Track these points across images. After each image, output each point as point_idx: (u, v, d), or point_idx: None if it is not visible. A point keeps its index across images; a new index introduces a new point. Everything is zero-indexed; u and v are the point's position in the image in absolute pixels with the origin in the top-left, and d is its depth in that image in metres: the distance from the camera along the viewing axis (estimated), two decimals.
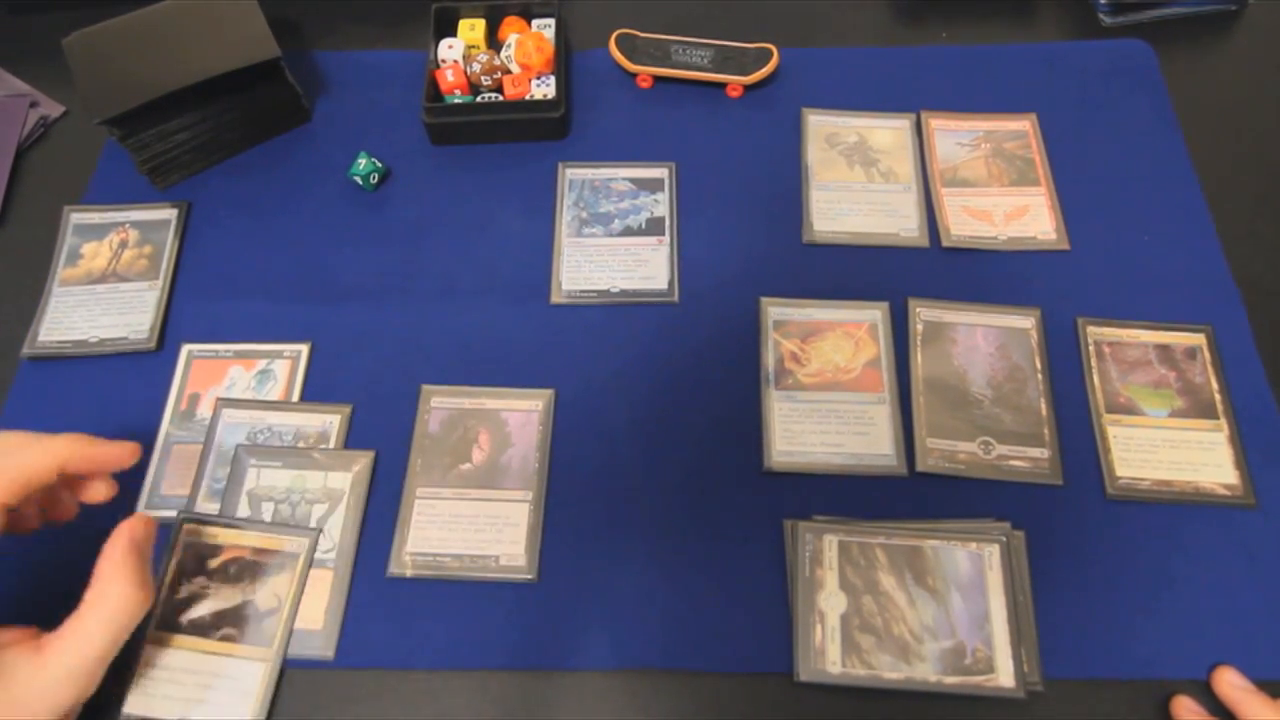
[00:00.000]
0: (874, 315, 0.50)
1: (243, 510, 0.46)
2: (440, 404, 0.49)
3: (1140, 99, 0.58)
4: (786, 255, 0.53)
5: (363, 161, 0.55)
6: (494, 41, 0.60)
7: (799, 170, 0.56)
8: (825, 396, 0.48)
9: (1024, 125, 0.57)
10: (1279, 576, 0.43)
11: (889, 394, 0.48)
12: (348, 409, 0.49)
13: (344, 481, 0.46)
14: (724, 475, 0.46)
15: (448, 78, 0.56)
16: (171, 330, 0.51)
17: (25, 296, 0.52)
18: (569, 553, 0.45)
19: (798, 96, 0.58)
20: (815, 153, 0.56)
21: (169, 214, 0.55)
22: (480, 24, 0.59)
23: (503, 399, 0.49)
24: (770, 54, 0.58)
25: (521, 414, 0.48)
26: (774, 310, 0.51)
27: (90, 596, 0.37)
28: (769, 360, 0.49)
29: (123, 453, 0.41)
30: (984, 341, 0.49)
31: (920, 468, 0.46)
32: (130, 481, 0.47)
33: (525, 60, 0.57)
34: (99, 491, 0.41)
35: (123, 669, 0.42)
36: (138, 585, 0.37)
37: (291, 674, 0.42)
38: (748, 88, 0.58)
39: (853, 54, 0.60)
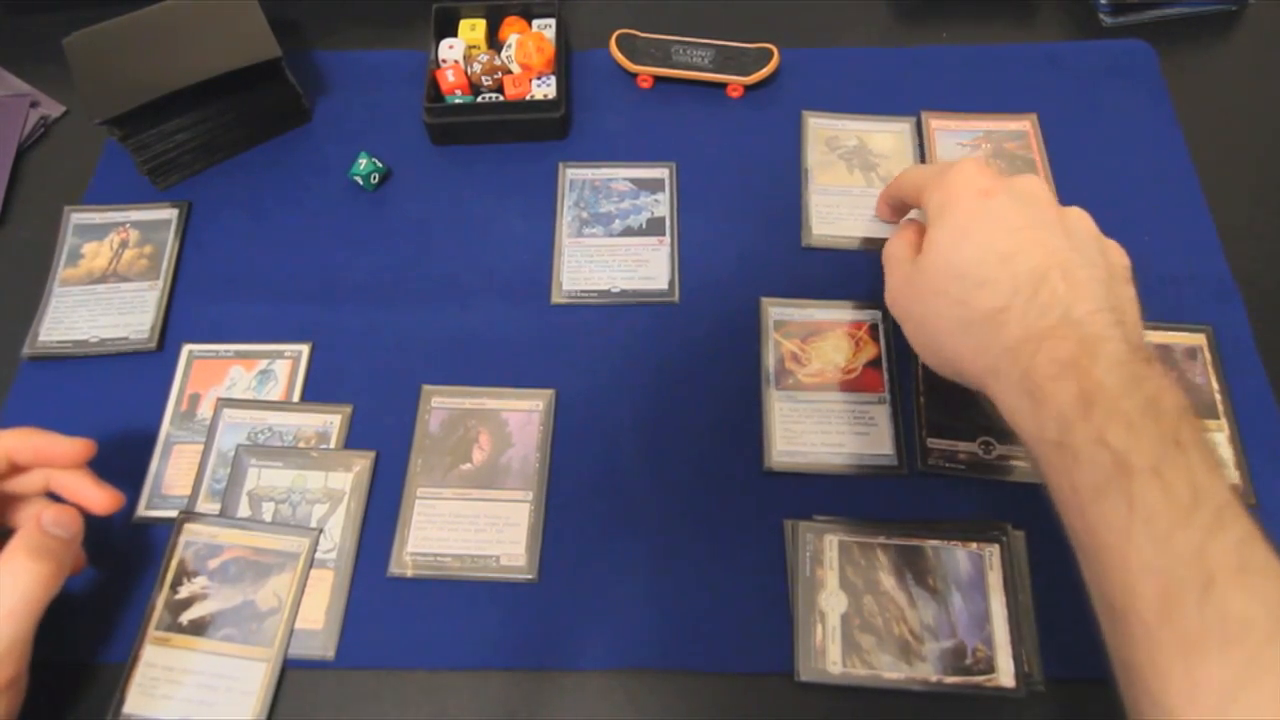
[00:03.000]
0: (875, 315, 0.50)
1: (243, 510, 0.46)
2: (440, 404, 0.49)
3: (1140, 99, 0.58)
4: (786, 258, 0.53)
5: (363, 161, 0.55)
6: (494, 42, 0.60)
7: (799, 171, 0.56)
8: (826, 396, 0.48)
9: (1024, 125, 0.57)
10: None
11: (889, 394, 0.48)
12: (348, 409, 0.49)
13: (344, 482, 0.46)
14: (724, 475, 0.46)
15: (448, 78, 0.56)
16: (172, 330, 0.51)
17: (25, 296, 0.52)
18: (569, 553, 0.45)
19: (798, 96, 0.58)
20: (815, 156, 0.56)
21: (169, 214, 0.55)
22: (480, 24, 0.59)
23: (503, 399, 0.49)
24: (770, 54, 0.58)
25: (522, 414, 0.48)
26: (774, 310, 0.51)
27: None
28: (769, 360, 0.49)
29: (74, 448, 0.41)
30: None
31: (920, 468, 0.46)
32: (131, 482, 0.47)
33: (525, 60, 0.57)
34: (92, 497, 0.41)
35: (123, 669, 0.42)
36: (34, 557, 0.37)
37: (292, 674, 0.42)
38: (748, 88, 0.58)
39: (853, 54, 0.60)
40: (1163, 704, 0.29)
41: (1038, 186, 0.40)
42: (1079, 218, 0.40)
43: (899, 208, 0.50)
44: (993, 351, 0.36)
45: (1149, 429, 0.31)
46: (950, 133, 0.57)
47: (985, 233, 0.38)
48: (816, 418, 0.47)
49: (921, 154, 0.56)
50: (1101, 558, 0.32)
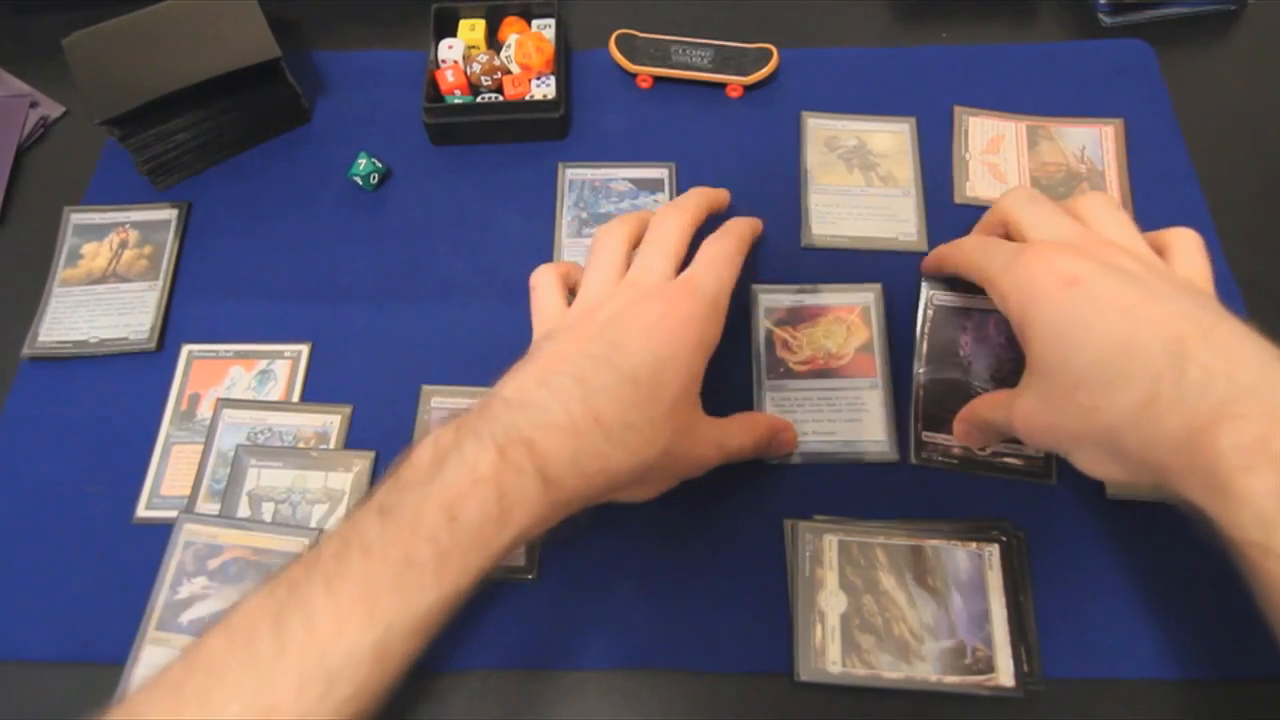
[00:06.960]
0: (866, 298, 0.50)
1: (243, 510, 0.46)
2: (440, 404, 0.49)
3: (1140, 99, 0.58)
4: (785, 258, 0.53)
5: (363, 162, 0.55)
6: (494, 42, 0.60)
7: (798, 171, 0.56)
8: (817, 384, 0.48)
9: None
10: None
11: (881, 378, 0.48)
12: (348, 409, 0.49)
13: (344, 482, 0.46)
14: (724, 474, 0.46)
15: (448, 78, 0.56)
16: (171, 330, 0.51)
17: (25, 297, 0.52)
18: (569, 553, 0.45)
19: (798, 97, 0.58)
20: (814, 156, 0.56)
21: (169, 214, 0.55)
22: (480, 24, 0.59)
23: None
24: (770, 54, 0.58)
25: None
26: (765, 298, 0.51)
27: None
28: (760, 348, 0.49)
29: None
30: (995, 332, 0.49)
31: (914, 461, 0.46)
32: (130, 481, 0.47)
33: (525, 60, 0.57)
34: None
35: (123, 669, 0.42)
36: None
37: None
38: (748, 88, 0.58)
39: (853, 54, 0.60)
40: None
41: (1117, 225, 0.36)
42: (1185, 249, 0.35)
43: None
44: (1161, 447, 0.31)
45: None
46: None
47: (1090, 330, 0.33)
48: (809, 405, 0.47)
49: (921, 155, 0.56)
50: None
